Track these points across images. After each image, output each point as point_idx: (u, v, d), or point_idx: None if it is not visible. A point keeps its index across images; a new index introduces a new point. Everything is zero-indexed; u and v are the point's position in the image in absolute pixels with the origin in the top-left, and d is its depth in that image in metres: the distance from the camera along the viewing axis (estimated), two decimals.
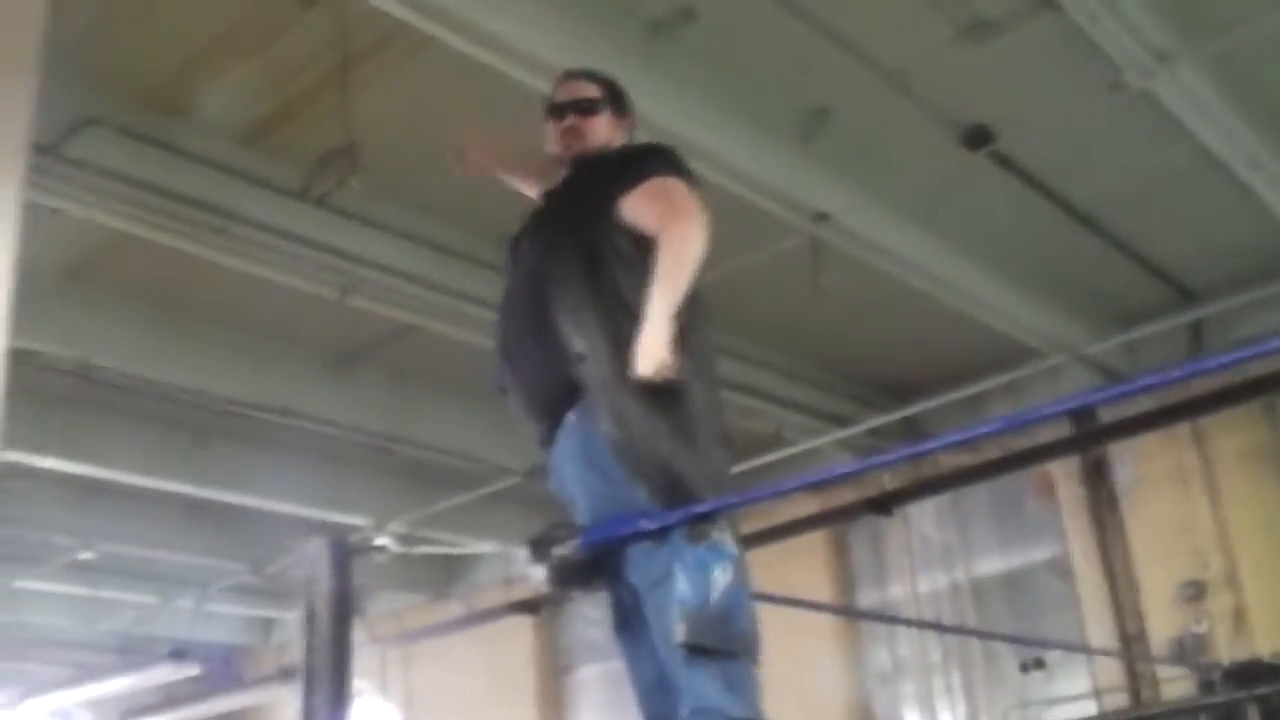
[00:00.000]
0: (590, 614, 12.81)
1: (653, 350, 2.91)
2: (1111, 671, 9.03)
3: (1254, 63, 6.02)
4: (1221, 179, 6.72)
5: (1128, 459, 9.43)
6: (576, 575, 3.12)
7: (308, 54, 5.63)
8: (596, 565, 3.14)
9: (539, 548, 3.07)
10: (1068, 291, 8.30)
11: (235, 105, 5.94)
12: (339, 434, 8.92)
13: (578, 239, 3.17)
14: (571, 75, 3.57)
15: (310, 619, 2.91)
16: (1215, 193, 7.06)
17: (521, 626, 12.93)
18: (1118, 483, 9.43)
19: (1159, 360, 9.00)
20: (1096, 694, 9.10)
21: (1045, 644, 9.52)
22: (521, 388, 3.26)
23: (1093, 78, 5.73)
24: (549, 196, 3.48)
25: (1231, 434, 9.00)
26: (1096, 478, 9.52)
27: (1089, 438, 9.41)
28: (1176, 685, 8.46)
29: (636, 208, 3.14)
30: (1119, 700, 8.92)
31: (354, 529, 10.28)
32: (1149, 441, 9.27)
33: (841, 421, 9.46)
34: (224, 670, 14.98)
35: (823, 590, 10.29)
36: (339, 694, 2.84)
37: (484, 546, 11.44)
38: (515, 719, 12.18)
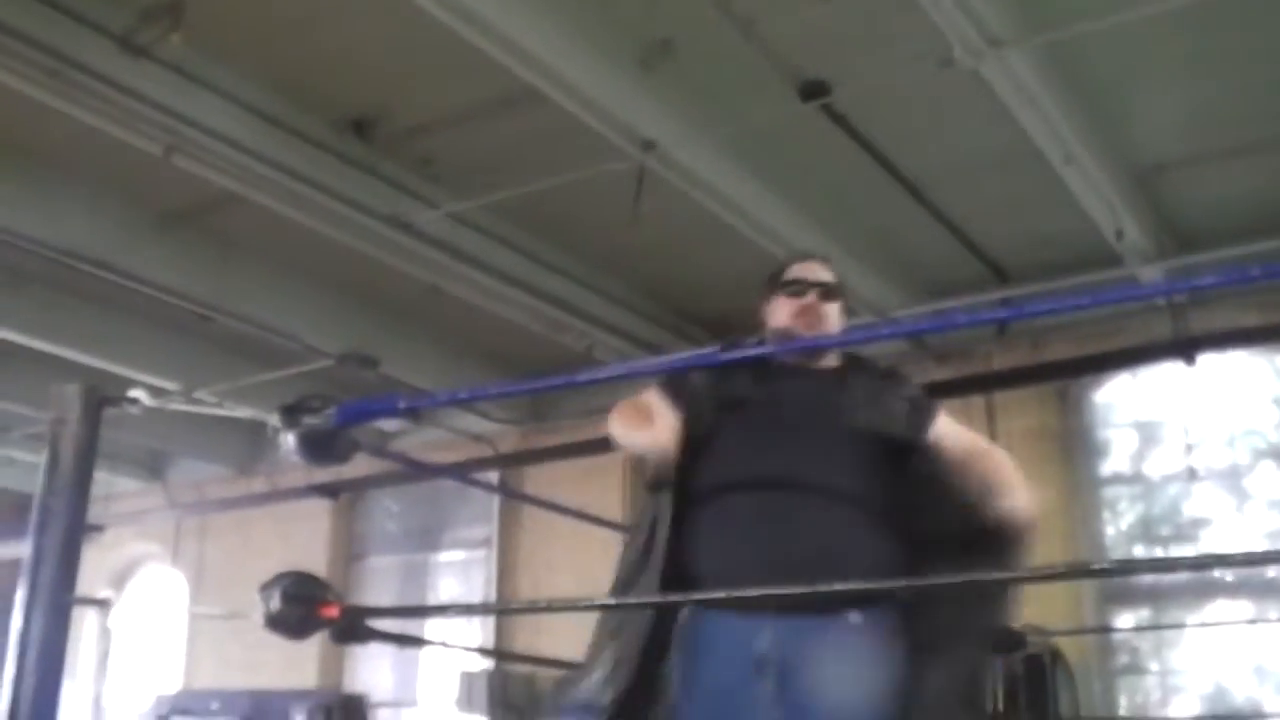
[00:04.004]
0: (390, 506, 12.89)
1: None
2: None
3: (1082, 59, 6.24)
4: (1039, 168, 6.94)
5: None
6: (324, 447, 3.10)
7: None
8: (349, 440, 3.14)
9: (289, 415, 3.05)
10: (883, 254, 8.54)
11: None
12: (157, 295, 8.73)
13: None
14: (810, 256, 3.56)
15: (53, 461, 2.96)
16: (1033, 180, 7.28)
17: (319, 510, 12.97)
18: None
19: (962, 334, 9.36)
20: None
21: None
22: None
23: (928, 51, 5.85)
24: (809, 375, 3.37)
25: (1023, 414, 9.39)
26: None
27: None
28: None
29: (952, 432, 3.23)
30: None
31: (164, 391, 10.10)
32: (945, 409, 9.61)
33: (654, 349, 9.57)
34: (20, 517, 14.65)
35: (615, 509, 10.49)
36: (71, 539, 2.90)
37: (241, 412, 11.25)
38: None
